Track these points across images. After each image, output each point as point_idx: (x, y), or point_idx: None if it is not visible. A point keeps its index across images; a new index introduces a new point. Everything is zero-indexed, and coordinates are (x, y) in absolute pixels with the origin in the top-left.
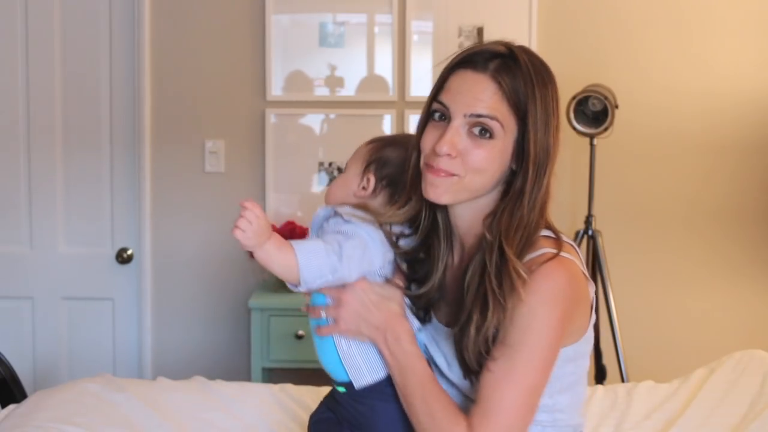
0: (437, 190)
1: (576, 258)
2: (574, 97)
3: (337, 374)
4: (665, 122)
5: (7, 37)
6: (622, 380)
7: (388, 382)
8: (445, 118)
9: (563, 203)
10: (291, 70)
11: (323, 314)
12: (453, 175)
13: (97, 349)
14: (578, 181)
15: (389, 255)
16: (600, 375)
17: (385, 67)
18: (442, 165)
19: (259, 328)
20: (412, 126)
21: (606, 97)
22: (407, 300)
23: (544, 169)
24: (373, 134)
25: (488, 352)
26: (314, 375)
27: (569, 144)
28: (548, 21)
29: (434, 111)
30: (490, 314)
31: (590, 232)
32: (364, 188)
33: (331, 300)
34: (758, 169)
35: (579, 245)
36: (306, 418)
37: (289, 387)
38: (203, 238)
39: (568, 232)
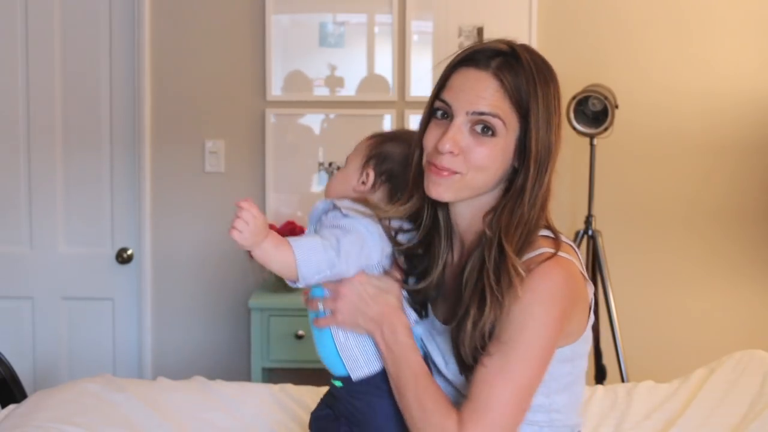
0: (439, 189)
1: (575, 258)
2: (574, 97)
3: (334, 367)
4: (665, 122)
5: (7, 37)
6: (622, 380)
7: (384, 377)
8: (448, 116)
9: (563, 203)
10: (291, 70)
11: (321, 306)
12: (455, 173)
13: (97, 349)
14: (578, 181)
15: (387, 249)
16: (600, 375)
17: (385, 67)
18: (445, 162)
19: (259, 328)
20: (412, 126)
21: (606, 97)
22: (405, 293)
23: (546, 167)
24: None
25: (484, 347)
26: (314, 375)
27: (569, 144)
28: (548, 21)
29: (437, 109)
30: (487, 310)
31: (590, 232)
32: (363, 183)
33: (329, 292)
34: (758, 169)
35: (579, 245)
36: (306, 418)
37: (289, 387)
38: (203, 238)
39: (568, 232)
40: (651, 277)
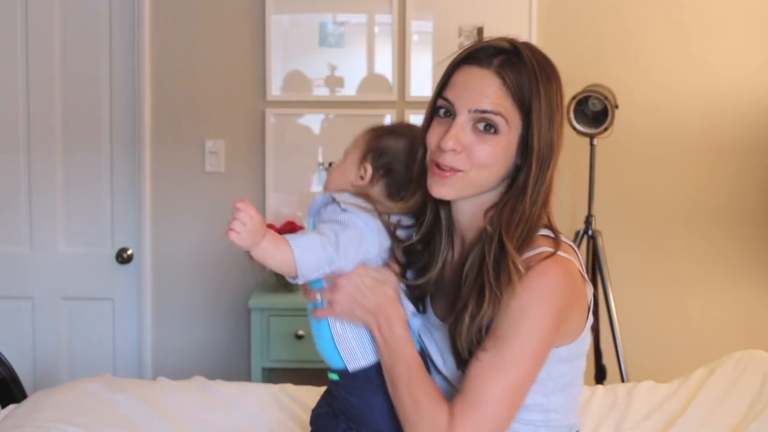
0: (442, 189)
1: (574, 258)
2: (574, 97)
3: (331, 359)
4: (665, 122)
5: (7, 37)
6: (622, 380)
7: (379, 371)
8: (450, 114)
9: (563, 203)
10: (291, 70)
11: (319, 297)
12: (458, 171)
13: (97, 349)
14: (578, 181)
15: (386, 243)
16: (600, 375)
17: (385, 67)
18: (448, 160)
19: (259, 328)
20: None
21: (606, 97)
22: (403, 286)
23: (548, 164)
24: None
25: (480, 342)
26: (314, 375)
27: (569, 144)
28: (548, 21)
29: (439, 107)
30: (485, 305)
31: (590, 232)
32: (361, 177)
33: (327, 283)
34: (758, 169)
35: (579, 245)
36: (306, 418)
37: (289, 387)
38: (203, 238)
39: (568, 232)
40: (651, 277)
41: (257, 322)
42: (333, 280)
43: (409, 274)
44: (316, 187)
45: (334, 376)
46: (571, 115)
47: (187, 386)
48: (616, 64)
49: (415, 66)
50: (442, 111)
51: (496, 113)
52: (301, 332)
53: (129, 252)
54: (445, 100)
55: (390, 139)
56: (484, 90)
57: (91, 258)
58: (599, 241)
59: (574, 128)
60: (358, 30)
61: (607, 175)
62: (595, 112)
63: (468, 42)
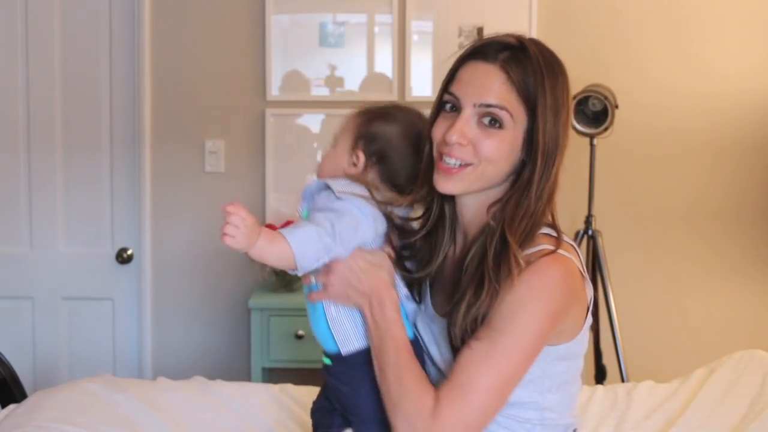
0: (447, 184)
1: (575, 257)
2: (574, 97)
3: (325, 342)
4: (665, 122)
5: (7, 37)
6: (622, 380)
7: (369, 357)
8: (456, 108)
9: (563, 203)
10: (291, 70)
11: (313, 280)
12: (468, 165)
13: (97, 349)
14: (578, 181)
15: (381, 228)
16: (600, 375)
17: (385, 67)
18: (455, 152)
19: (259, 328)
20: None
21: (606, 97)
22: (399, 277)
23: (553, 160)
24: None
25: (474, 331)
26: (314, 375)
27: (569, 144)
28: (548, 21)
29: (445, 102)
30: (483, 295)
31: (590, 232)
32: (354, 164)
33: (322, 266)
34: (758, 169)
35: (579, 245)
36: (306, 418)
37: (289, 387)
38: (203, 239)
39: (567, 232)
40: (651, 277)
41: (257, 322)
42: (328, 264)
43: (409, 265)
44: None
45: (327, 360)
46: (571, 115)
47: (187, 386)
48: (616, 64)
49: (415, 66)
50: (448, 106)
51: (500, 107)
52: (301, 332)
53: (129, 252)
54: (451, 94)
55: (381, 124)
56: (489, 84)
57: (91, 258)
58: (599, 241)
59: (574, 128)
60: (358, 30)
61: (607, 175)
62: (595, 112)
63: (468, 42)
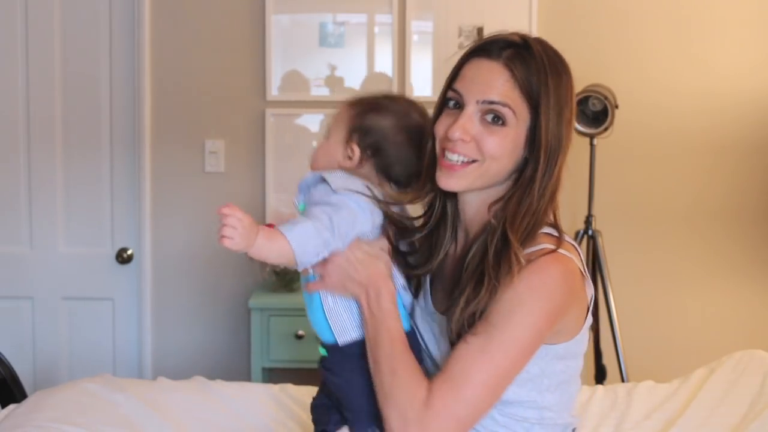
0: (450, 181)
1: (576, 257)
2: None
3: (322, 333)
4: (665, 122)
5: (7, 37)
6: (622, 380)
7: (364, 349)
8: (459, 105)
9: (563, 203)
10: (291, 70)
11: (311, 271)
12: (473, 161)
13: (97, 349)
14: (578, 181)
15: (378, 220)
16: (600, 375)
17: (385, 67)
18: (458, 148)
19: (259, 328)
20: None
21: (606, 97)
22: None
23: (556, 159)
24: None
25: (471, 326)
26: (314, 375)
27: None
28: (548, 21)
29: (449, 99)
30: (482, 291)
31: (590, 232)
32: (349, 158)
33: None
34: (758, 169)
35: (579, 245)
36: (306, 418)
37: (289, 387)
38: (203, 239)
39: (567, 232)
40: (651, 277)
41: (257, 322)
42: None
43: (409, 260)
44: None
45: (323, 351)
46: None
47: (187, 386)
48: (616, 64)
49: (415, 66)
50: (451, 102)
51: (503, 104)
52: (301, 332)
53: (129, 252)
54: (455, 91)
55: (375, 117)
56: (493, 82)
57: (91, 258)
58: (599, 241)
59: (574, 128)
60: (358, 30)
61: (607, 175)
62: (595, 112)
63: (468, 42)
